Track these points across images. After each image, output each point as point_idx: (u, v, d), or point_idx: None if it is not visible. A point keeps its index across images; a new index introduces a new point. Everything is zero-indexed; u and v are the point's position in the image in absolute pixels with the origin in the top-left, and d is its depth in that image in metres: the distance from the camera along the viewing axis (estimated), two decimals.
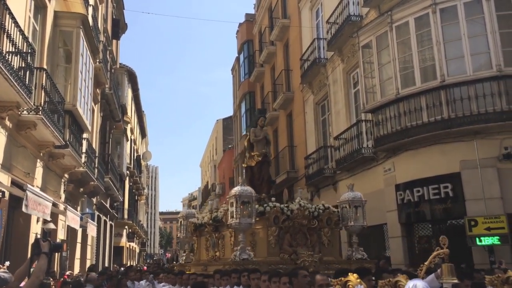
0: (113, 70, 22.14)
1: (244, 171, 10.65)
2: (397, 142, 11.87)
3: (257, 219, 8.19)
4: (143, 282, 10.54)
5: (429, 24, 11.28)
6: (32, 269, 3.45)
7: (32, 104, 9.10)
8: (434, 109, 10.98)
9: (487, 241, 9.89)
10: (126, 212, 30.60)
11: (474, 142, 10.64)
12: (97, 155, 17.01)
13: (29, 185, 8.22)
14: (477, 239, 10.00)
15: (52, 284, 8.71)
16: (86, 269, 15.00)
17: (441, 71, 10.90)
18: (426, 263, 4.69)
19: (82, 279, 9.68)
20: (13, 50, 8.17)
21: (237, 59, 33.52)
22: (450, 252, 4.55)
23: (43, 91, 9.84)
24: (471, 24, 10.84)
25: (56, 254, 12.95)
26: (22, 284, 3.59)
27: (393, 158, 12.48)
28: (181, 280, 8.06)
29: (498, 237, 9.80)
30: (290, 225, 8.48)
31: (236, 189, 8.07)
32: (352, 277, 3.70)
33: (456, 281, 4.34)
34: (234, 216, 7.83)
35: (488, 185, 10.39)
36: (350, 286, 3.66)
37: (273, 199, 9.04)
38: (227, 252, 8.95)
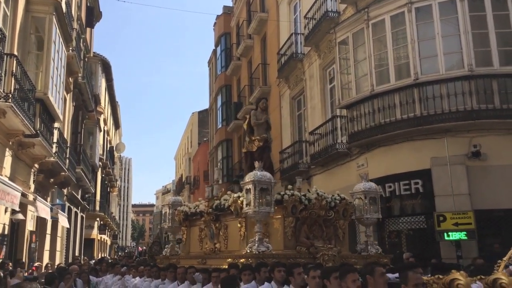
0: (86, 59, 21.71)
1: (243, 156, 9.86)
2: (370, 138, 12.06)
3: (275, 208, 7.44)
4: (110, 276, 9.59)
5: (404, 23, 11.46)
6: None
7: (1, 91, 8.85)
8: (407, 106, 11.19)
9: (454, 236, 10.16)
10: (98, 203, 30.17)
11: (445, 139, 10.90)
12: (68, 145, 16.68)
13: None
14: (445, 234, 10.25)
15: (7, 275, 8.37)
16: (70, 261, 14.70)
17: (415, 69, 11.10)
18: (504, 258, 4.28)
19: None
20: None
21: (214, 51, 33.30)
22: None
23: (13, 78, 9.58)
24: (445, 24, 11.07)
25: (25, 244, 12.69)
26: None
27: (366, 154, 12.67)
28: (173, 274, 7.31)
29: (465, 232, 10.09)
30: (307, 215, 7.78)
31: (254, 175, 7.24)
32: (460, 275, 3.17)
33: None
34: (252, 204, 7.03)
35: (457, 181, 10.67)
36: (460, 285, 3.14)
37: (289, 186, 8.28)
38: (231, 244, 8.22)
